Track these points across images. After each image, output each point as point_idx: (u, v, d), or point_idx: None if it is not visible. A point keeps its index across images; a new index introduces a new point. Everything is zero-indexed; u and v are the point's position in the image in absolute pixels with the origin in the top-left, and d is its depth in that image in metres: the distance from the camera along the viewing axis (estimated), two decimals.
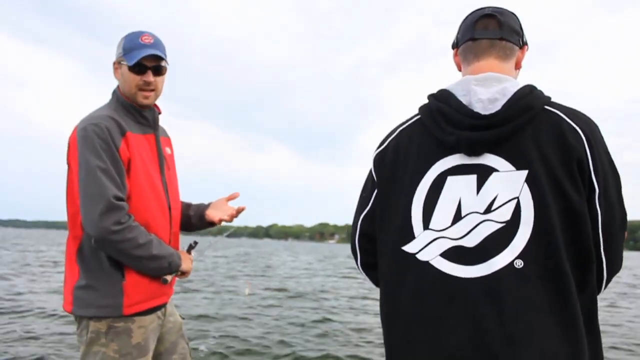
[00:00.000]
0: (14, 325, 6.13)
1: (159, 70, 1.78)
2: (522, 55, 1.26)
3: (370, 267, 1.32)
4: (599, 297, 1.09)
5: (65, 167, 1.71)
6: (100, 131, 1.61)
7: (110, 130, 1.64)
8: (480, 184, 1.08)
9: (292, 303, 9.60)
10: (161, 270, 1.71)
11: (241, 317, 7.63)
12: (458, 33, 1.28)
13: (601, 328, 1.07)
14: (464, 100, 1.13)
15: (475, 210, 1.07)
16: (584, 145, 1.04)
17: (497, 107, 1.09)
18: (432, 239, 1.11)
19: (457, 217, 1.09)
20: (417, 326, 1.08)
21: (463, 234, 1.08)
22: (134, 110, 1.79)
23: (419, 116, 1.23)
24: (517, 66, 1.26)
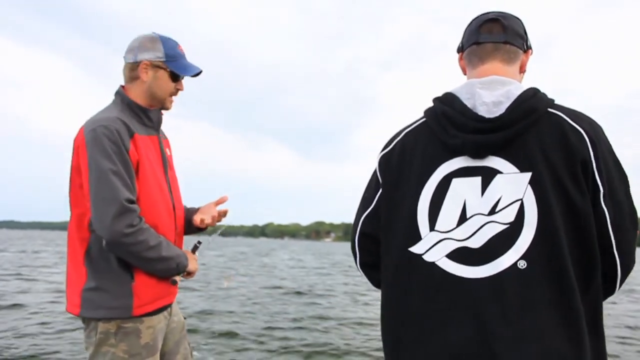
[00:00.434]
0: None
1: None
2: (526, 59, 1.27)
3: (369, 266, 1.34)
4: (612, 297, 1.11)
5: (68, 168, 1.71)
6: (110, 133, 1.61)
7: (120, 132, 1.64)
8: (484, 186, 1.10)
9: (288, 299, 9.63)
10: (170, 271, 1.74)
11: (235, 312, 7.65)
12: (463, 37, 1.30)
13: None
14: (468, 103, 1.15)
15: (480, 211, 1.09)
16: (587, 147, 1.05)
17: (501, 110, 1.10)
18: (438, 240, 1.12)
19: (463, 218, 1.10)
20: (422, 325, 1.10)
21: (468, 235, 1.09)
22: (140, 112, 1.79)
23: (424, 119, 1.24)
24: (522, 70, 1.28)
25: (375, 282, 1.35)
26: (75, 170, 1.67)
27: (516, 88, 1.13)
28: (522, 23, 1.26)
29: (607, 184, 1.05)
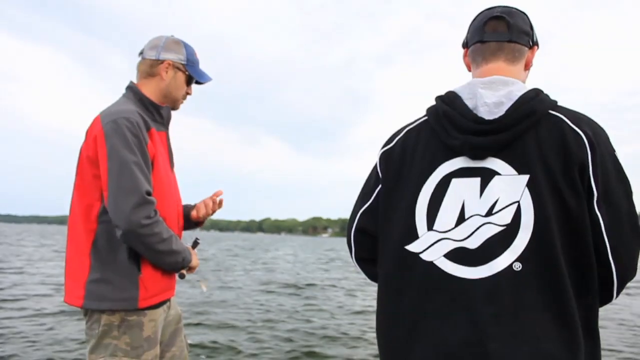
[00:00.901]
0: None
1: None
2: (531, 56, 1.25)
3: (364, 260, 1.34)
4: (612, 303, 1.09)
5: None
6: (131, 126, 1.65)
7: (140, 125, 1.68)
8: (483, 187, 1.10)
9: (284, 292, 9.65)
10: (176, 264, 1.77)
11: (231, 304, 7.66)
12: (467, 33, 1.28)
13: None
14: (469, 103, 1.14)
15: (478, 212, 1.09)
16: (587, 150, 1.04)
17: (502, 111, 1.10)
18: (436, 239, 1.12)
19: (461, 219, 1.10)
20: (418, 324, 1.10)
21: (466, 236, 1.09)
22: (153, 108, 1.84)
23: (426, 117, 1.24)
24: (527, 67, 1.26)
25: (371, 276, 1.35)
26: (89, 160, 1.67)
27: (518, 89, 1.12)
28: (528, 18, 1.24)
29: (601, 188, 1.04)
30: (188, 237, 2.03)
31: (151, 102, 1.83)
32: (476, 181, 1.10)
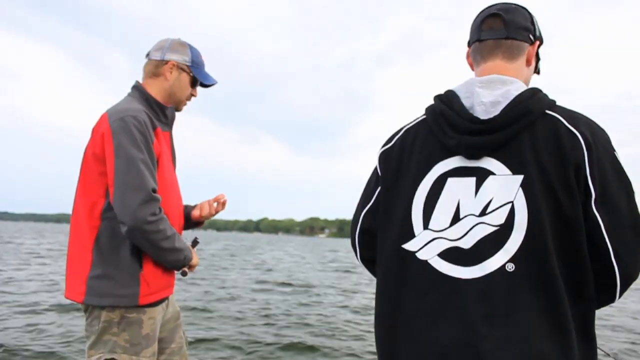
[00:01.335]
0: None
1: None
2: (532, 51, 1.23)
3: (369, 261, 1.34)
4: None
5: (80, 156, 1.74)
6: (139, 124, 1.68)
7: (147, 124, 1.71)
8: (478, 187, 1.09)
9: (281, 290, 9.65)
10: (178, 262, 1.79)
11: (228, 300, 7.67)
12: (470, 32, 1.28)
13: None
14: (466, 102, 1.14)
15: (472, 212, 1.08)
16: (582, 150, 1.03)
17: (497, 110, 1.09)
18: (430, 238, 1.12)
19: (456, 218, 1.10)
20: (415, 323, 1.10)
21: (460, 236, 1.09)
22: (158, 108, 1.87)
23: (425, 116, 1.24)
24: (528, 63, 1.24)
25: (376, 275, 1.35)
26: (95, 158, 1.69)
27: (516, 88, 1.11)
28: (528, 13, 1.22)
29: (599, 189, 1.02)
30: (187, 236, 2.05)
31: (156, 102, 1.86)
32: (471, 181, 1.10)
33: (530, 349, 0.98)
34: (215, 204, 2.06)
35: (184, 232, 2.05)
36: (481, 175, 1.10)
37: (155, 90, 1.88)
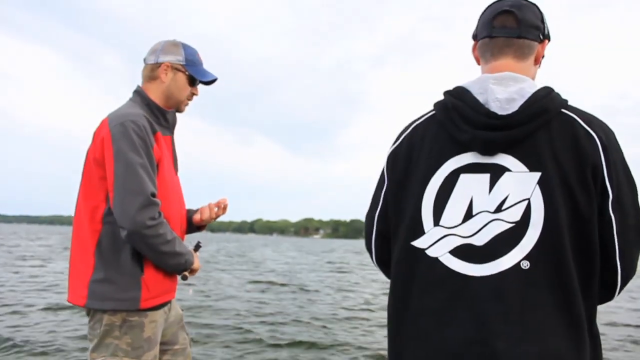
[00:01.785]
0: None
1: None
2: (542, 50, 1.22)
3: (384, 262, 1.33)
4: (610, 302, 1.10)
5: (82, 160, 1.75)
6: (138, 129, 1.68)
7: (147, 129, 1.71)
8: (492, 183, 1.08)
9: (278, 290, 9.65)
10: (179, 266, 1.79)
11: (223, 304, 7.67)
12: (477, 25, 1.26)
13: None
14: (480, 98, 1.12)
15: (486, 209, 1.07)
16: (599, 151, 1.04)
17: (514, 107, 1.08)
18: (441, 235, 1.10)
19: (468, 215, 1.09)
20: (424, 321, 1.09)
21: (473, 232, 1.07)
22: (159, 112, 1.87)
23: (433, 112, 1.22)
24: (537, 62, 1.23)
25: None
26: (96, 162, 1.70)
27: (530, 86, 1.11)
28: (538, 10, 1.20)
29: (616, 190, 1.03)
30: (190, 239, 2.04)
31: (157, 107, 1.86)
32: (485, 177, 1.09)
33: (547, 347, 0.98)
34: (216, 209, 2.06)
35: (187, 236, 2.05)
36: (496, 172, 1.09)
37: (155, 93, 1.88)
